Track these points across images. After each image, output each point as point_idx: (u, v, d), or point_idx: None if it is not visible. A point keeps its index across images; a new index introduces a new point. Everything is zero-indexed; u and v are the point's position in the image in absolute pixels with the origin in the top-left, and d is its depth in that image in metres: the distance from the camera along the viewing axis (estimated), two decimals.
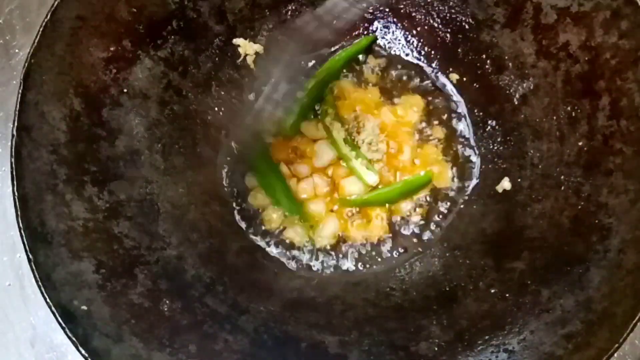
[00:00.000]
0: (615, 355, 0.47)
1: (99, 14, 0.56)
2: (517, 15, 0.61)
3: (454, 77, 0.68)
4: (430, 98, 0.69)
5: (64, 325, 0.48)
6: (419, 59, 0.70)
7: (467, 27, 0.65)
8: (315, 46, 0.68)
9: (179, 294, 0.56)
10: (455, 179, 0.66)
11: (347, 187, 0.65)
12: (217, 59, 0.67)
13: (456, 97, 0.68)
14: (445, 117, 0.68)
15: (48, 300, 0.48)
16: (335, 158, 0.66)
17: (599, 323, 0.49)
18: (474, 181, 0.66)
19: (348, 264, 0.64)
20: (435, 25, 0.67)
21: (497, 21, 0.63)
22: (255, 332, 0.56)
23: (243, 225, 0.65)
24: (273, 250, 0.64)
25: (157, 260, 0.57)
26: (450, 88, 0.69)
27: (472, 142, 0.67)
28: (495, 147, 0.65)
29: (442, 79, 0.69)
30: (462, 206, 0.65)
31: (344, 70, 0.69)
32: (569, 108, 0.59)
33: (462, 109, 0.68)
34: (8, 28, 0.72)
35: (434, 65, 0.69)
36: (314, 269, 0.64)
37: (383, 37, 0.70)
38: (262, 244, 0.65)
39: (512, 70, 0.63)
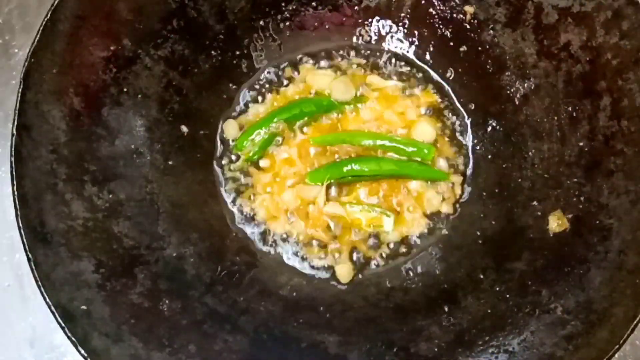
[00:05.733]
0: (616, 355, 0.47)
1: (98, 13, 0.56)
2: (519, 15, 0.61)
3: (455, 76, 0.68)
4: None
5: (63, 325, 0.48)
6: (420, 59, 0.70)
7: (468, 27, 0.65)
8: None
9: (178, 294, 0.56)
10: (457, 180, 0.66)
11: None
12: (217, 58, 0.67)
13: (457, 97, 0.68)
14: (445, 117, 0.68)
15: (47, 300, 0.48)
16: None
17: (599, 324, 0.49)
18: (475, 181, 0.66)
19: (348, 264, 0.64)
20: (436, 25, 0.67)
21: (498, 21, 0.63)
22: (255, 332, 0.56)
23: (242, 224, 0.65)
24: (272, 250, 0.64)
25: (157, 260, 0.57)
26: (451, 88, 0.69)
27: (473, 142, 0.67)
28: (496, 147, 0.65)
29: (443, 79, 0.69)
30: (462, 206, 0.65)
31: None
32: (570, 108, 0.59)
33: (463, 109, 0.68)
34: (7, 28, 0.72)
35: (434, 65, 0.69)
36: (315, 268, 0.64)
37: (383, 38, 0.70)
38: (261, 244, 0.65)
39: (513, 70, 0.63)
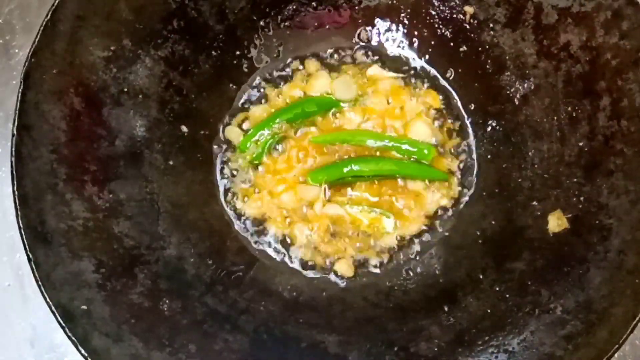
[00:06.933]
0: (616, 355, 0.47)
1: (99, 13, 0.56)
2: (518, 16, 0.61)
3: (455, 76, 0.68)
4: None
5: (63, 325, 0.48)
6: (420, 59, 0.70)
7: (468, 27, 0.65)
8: None
9: (179, 293, 0.56)
10: (456, 180, 0.66)
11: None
12: (217, 58, 0.67)
13: (457, 97, 0.68)
14: (446, 117, 0.68)
15: (48, 300, 0.48)
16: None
17: (599, 324, 0.49)
18: (475, 181, 0.66)
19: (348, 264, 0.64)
20: (436, 25, 0.67)
21: (498, 21, 0.63)
22: (255, 332, 0.56)
23: (243, 224, 0.65)
24: (272, 250, 0.64)
25: (157, 260, 0.57)
26: (450, 88, 0.69)
27: (473, 142, 0.67)
28: (496, 147, 0.65)
29: (443, 79, 0.69)
30: (462, 206, 0.65)
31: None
32: (569, 108, 0.59)
33: (463, 109, 0.68)
34: (8, 28, 0.72)
35: (434, 65, 0.69)
36: (314, 268, 0.64)
37: (384, 38, 0.70)
38: (261, 244, 0.65)
39: (513, 70, 0.63)
